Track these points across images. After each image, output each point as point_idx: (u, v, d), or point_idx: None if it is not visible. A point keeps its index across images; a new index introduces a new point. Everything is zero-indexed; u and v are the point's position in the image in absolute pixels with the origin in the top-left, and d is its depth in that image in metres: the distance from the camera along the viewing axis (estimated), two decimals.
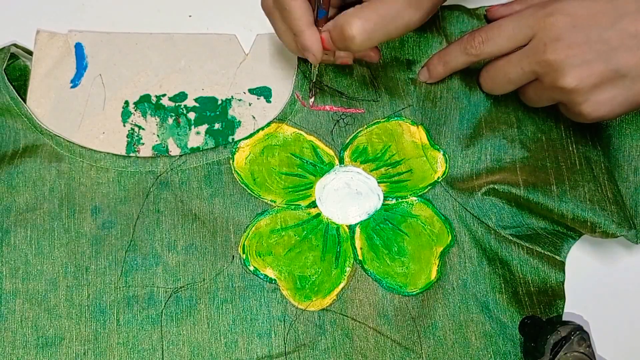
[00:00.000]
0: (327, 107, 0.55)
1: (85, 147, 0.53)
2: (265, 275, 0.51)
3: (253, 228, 0.52)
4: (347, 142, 0.54)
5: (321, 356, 0.50)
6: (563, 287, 0.52)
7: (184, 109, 0.55)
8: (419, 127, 0.54)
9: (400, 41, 0.55)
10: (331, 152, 0.54)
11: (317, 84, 0.54)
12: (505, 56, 0.49)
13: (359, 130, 0.54)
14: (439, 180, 0.53)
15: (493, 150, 0.53)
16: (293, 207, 0.53)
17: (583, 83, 0.46)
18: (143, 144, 0.54)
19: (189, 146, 0.54)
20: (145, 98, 0.55)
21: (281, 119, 0.54)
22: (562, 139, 0.53)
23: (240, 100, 0.56)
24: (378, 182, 0.54)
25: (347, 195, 0.53)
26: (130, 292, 0.51)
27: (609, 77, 0.46)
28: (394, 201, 0.53)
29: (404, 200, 0.53)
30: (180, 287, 0.51)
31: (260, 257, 0.52)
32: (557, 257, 0.52)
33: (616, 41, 0.45)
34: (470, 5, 0.57)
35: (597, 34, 0.46)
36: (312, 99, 0.54)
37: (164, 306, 0.50)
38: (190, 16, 0.58)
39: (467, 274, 0.52)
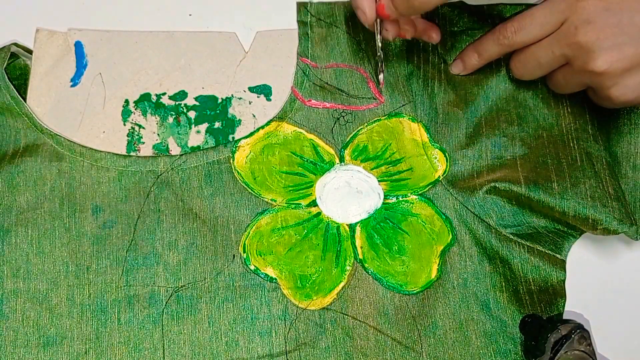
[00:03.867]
0: (328, 104, 0.55)
1: (85, 147, 0.53)
2: (266, 274, 0.51)
3: (254, 227, 0.52)
4: (347, 140, 0.54)
5: (322, 355, 0.50)
6: (564, 285, 0.52)
7: (184, 107, 0.55)
8: (419, 124, 0.54)
9: (402, 39, 0.55)
10: (331, 151, 0.54)
11: (381, 59, 0.53)
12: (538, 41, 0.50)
13: (360, 128, 0.54)
14: (440, 178, 0.53)
15: (494, 148, 0.53)
16: (293, 206, 0.53)
17: (613, 66, 0.46)
18: (143, 142, 0.54)
19: (189, 145, 0.54)
20: (146, 97, 0.55)
21: (281, 117, 0.54)
22: (563, 135, 0.53)
23: (240, 98, 0.55)
24: (378, 181, 0.53)
25: (348, 194, 0.53)
26: (131, 292, 0.51)
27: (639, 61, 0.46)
28: (394, 200, 0.53)
29: (404, 198, 0.53)
30: (181, 286, 0.51)
31: (260, 256, 0.52)
32: (557, 255, 0.52)
33: None
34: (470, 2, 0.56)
35: (629, 17, 0.46)
36: (382, 76, 0.54)
37: (165, 305, 0.51)
38: (190, 15, 0.58)
39: (467, 273, 0.52)
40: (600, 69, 0.46)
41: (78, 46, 0.56)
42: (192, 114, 0.55)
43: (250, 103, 0.55)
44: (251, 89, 0.56)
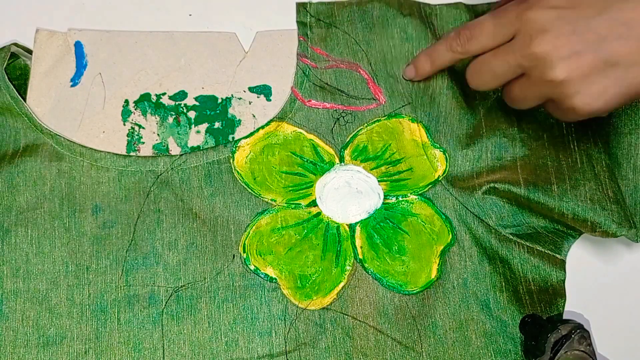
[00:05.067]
0: (328, 105, 0.55)
1: (85, 147, 0.53)
2: (266, 274, 0.51)
3: (253, 227, 0.52)
4: (347, 140, 0.54)
5: (322, 355, 0.50)
6: (564, 285, 0.52)
7: (184, 107, 0.55)
8: (419, 124, 0.54)
9: (401, 39, 0.55)
10: (331, 151, 0.54)
11: None
12: (492, 50, 0.48)
13: (359, 128, 0.54)
14: (440, 178, 0.53)
15: (494, 148, 0.53)
16: (293, 206, 0.53)
17: (573, 74, 0.44)
18: (143, 142, 0.54)
19: (189, 145, 0.54)
20: (145, 97, 0.55)
21: (281, 117, 0.54)
22: (564, 136, 0.53)
23: (240, 98, 0.55)
24: (378, 181, 0.53)
25: (348, 194, 0.53)
26: (131, 292, 0.51)
27: (600, 67, 0.44)
28: (394, 200, 0.53)
29: (404, 198, 0.53)
30: (181, 286, 0.51)
31: (260, 256, 0.52)
32: (557, 255, 0.52)
33: (605, 30, 0.44)
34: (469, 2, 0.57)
35: (585, 23, 0.44)
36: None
37: (165, 305, 0.51)
38: (190, 15, 0.58)
39: (467, 273, 0.52)
40: (559, 78, 0.44)
41: (78, 46, 0.56)
42: (192, 114, 0.55)
43: (250, 103, 0.55)
44: (251, 89, 0.56)
